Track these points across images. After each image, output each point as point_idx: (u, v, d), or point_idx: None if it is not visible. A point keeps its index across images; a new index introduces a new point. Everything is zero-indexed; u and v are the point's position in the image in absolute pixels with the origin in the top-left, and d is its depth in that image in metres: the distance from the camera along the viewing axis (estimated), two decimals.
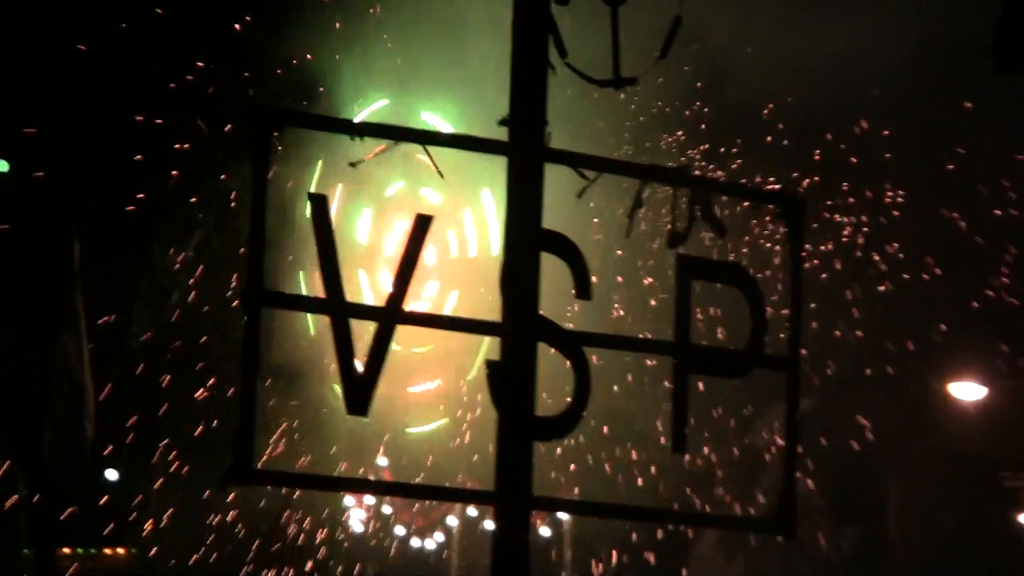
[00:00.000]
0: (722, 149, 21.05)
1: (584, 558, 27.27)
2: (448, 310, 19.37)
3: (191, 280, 23.12)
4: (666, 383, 6.82)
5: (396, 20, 21.03)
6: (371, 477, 20.80)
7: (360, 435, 21.45)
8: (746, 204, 7.41)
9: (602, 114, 19.03)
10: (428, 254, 20.36)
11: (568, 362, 6.61)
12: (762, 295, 6.93)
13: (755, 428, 25.44)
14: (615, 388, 19.58)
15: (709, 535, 26.49)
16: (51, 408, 9.95)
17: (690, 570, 27.34)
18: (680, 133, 20.95)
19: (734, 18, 16.87)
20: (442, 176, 6.83)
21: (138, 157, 21.17)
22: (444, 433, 20.93)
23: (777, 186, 18.54)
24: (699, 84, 20.41)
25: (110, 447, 22.43)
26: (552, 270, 6.64)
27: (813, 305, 19.46)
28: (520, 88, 6.64)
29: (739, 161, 20.89)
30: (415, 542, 46.94)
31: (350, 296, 6.48)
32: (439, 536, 46.35)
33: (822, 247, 21.60)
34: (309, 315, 16.80)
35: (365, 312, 6.55)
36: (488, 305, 7.06)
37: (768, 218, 7.22)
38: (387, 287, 6.65)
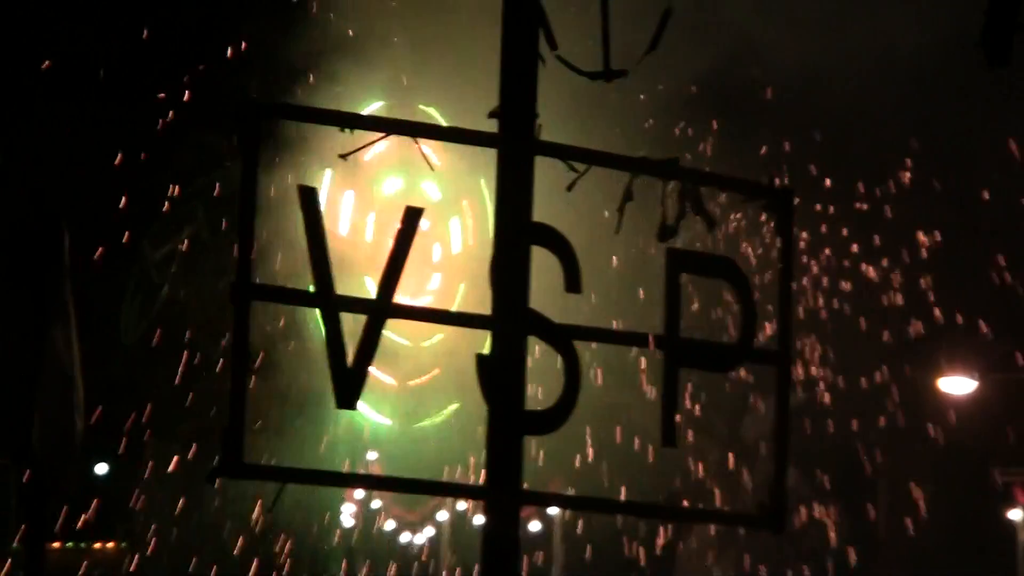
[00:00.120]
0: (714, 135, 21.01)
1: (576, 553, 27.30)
2: (457, 304, 19.35)
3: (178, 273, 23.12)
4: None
5: (396, 19, 21.08)
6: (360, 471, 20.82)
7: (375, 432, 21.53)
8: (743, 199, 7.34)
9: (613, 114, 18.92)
10: (433, 248, 20.44)
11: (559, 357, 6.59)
12: (752, 289, 6.90)
13: (745, 423, 25.47)
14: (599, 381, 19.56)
15: (700, 529, 26.52)
16: (41, 402, 9.91)
17: (680, 564, 27.38)
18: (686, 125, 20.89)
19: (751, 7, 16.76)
20: (432, 168, 6.81)
21: (141, 157, 21.17)
22: (454, 419, 20.95)
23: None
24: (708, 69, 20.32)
25: (99, 440, 22.38)
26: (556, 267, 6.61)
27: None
28: (510, 80, 6.62)
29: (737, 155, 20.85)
30: (405, 536, 46.99)
31: None
32: (429, 530, 46.42)
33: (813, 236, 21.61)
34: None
35: (354, 305, 6.53)
36: None
37: (764, 217, 7.19)
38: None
